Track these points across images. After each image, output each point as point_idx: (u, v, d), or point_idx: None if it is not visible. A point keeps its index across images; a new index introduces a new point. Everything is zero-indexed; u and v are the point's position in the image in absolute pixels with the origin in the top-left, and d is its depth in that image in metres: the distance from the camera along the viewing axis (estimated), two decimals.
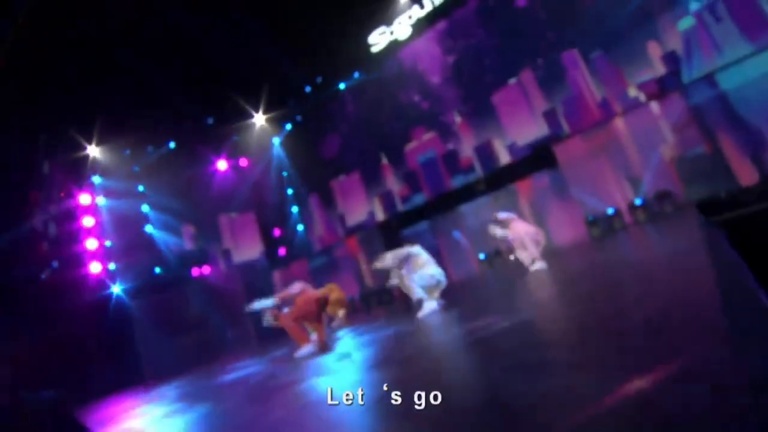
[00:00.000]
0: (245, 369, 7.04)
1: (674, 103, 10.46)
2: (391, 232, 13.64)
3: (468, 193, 13.05)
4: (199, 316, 14.05)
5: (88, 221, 13.45)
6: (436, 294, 6.41)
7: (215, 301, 14.43)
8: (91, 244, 13.31)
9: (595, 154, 11.33)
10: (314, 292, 6.37)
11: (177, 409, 4.91)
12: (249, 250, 15.83)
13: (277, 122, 15.94)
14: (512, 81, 12.41)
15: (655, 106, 10.75)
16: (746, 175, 9.54)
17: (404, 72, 14.03)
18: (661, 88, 10.74)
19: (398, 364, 3.32)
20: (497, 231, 7.25)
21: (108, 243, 13.50)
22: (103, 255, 13.37)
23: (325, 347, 5.89)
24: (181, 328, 13.58)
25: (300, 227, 16.23)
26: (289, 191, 16.45)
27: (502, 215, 7.54)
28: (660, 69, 10.70)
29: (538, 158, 11.61)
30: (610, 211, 10.68)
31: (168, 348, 12.94)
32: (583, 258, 7.17)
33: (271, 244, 16.22)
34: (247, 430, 2.97)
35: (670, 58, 10.57)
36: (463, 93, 13.09)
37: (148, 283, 13.74)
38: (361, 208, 14.87)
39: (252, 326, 14.73)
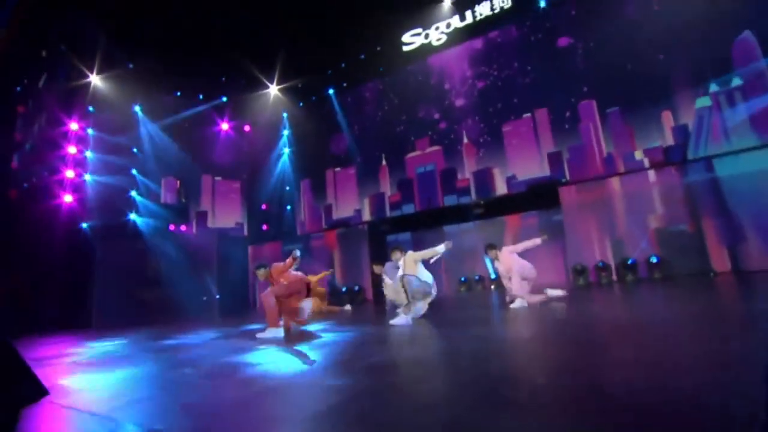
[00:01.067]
0: (193, 337, 6.82)
1: (672, 176, 10.72)
2: (378, 235, 13.60)
3: (457, 215, 13.10)
4: (165, 274, 13.65)
5: (71, 149, 12.97)
6: (428, 300, 6.29)
7: (186, 261, 14.08)
8: (69, 173, 12.84)
9: (588, 206, 11.51)
10: (305, 276, 6.32)
11: (97, 364, 4.70)
12: (225, 217, 15.53)
13: (291, 97, 15.73)
14: (526, 115, 12.55)
15: (654, 174, 11.00)
16: (720, 261, 9.84)
17: (428, 79, 14.05)
18: (665, 158, 10.99)
19: (349, 373, 3.07)
20: (488, 259, 7.25)
21: (88, 177, 13.04)
22: (78, 188, 12.91)
23: (289, 335, 5.80)
24: (144, 282, 13.19)
25: (288, 207, 16.00)
26: (283, 164, 16.15)
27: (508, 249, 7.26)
28: (669, 139, 10.96)
29: (536, 196, 11.72)
30: (599, 264, 10.80)
31: (125, 299, 12.54)
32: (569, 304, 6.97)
33: (255, 218, 15.96)
34: (153, 399, 2.90)
35: (681, 132, 10.84)
36: (479, 118, 13.18)
37: (119, 227, 13.32)
38: (350, 203, 14.79)
39: (220, 296, 14.47)
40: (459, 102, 13.54)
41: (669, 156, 10.94)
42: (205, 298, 14.18)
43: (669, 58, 10.91)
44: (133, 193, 13.64)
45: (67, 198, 12.64)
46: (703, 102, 10.71)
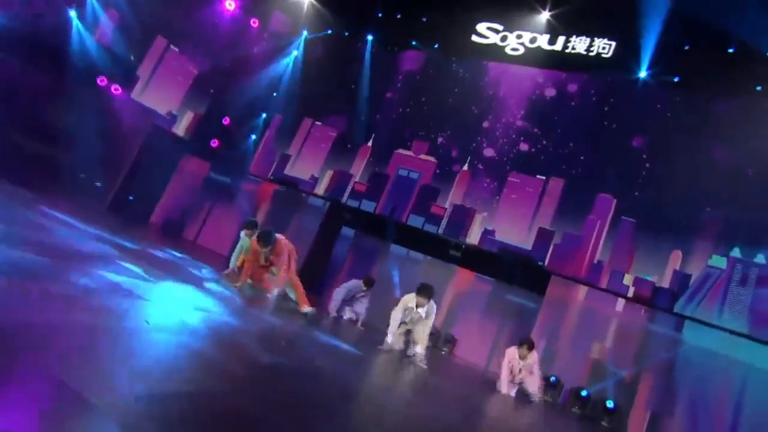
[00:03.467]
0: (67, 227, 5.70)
1: (638, 315, 9.60)
2: (336, 220, 11.48)
3: (427, 243, 11.27)
4: (73, 134, 10.82)
5: None
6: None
7: (105, 132, 11.33)
8: None
9: (569, 308, 10.19)
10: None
11: None
12: (164, 99, 12.49)
13: (322, 21, 13.09)
14: (540, 177, 10.90)
15: (628, 305, 9.79)
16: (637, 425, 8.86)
17: (475, 81, 11.96)
18: (651, 297, 9.70)
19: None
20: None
21: None
22: None
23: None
24: (43, 132, 10.35)
25: (253, 137, 13.38)
26: (272, 84, 13.39)
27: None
28: (665, 280, 9.66)
29: (524, 269, 10.03)
30: (551, 378, 9.09)
31: (7, 142, 9.70)
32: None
33: (206, 125, 13.22)
34: None
35: (681, 280, 9.56)
36: (495, 152, 11.36)
37: (38, 49, 10.39)
38: (310, 166, 12.57)
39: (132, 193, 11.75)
40: (487, 123, 11.65)
41: (656, 297, 9.66)
42: (99, 185, 11.51)
43: (711, 205, 9.57)
44: (73, 15, 10.66)
45: None
46: (718, 262, 9.49)
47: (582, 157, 10.71)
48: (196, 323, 3.35)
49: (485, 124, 11.65)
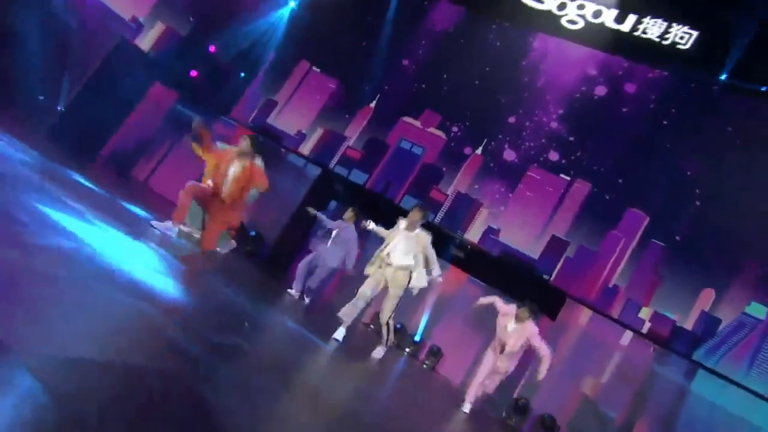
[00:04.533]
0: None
1: (647, 353, 8.23)
2: (325, 187, 9.71)
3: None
4: (19, 42, 8.89)
5: None
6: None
7: (61, 45, 9.39)
8: None
9: (579, 336, 8.81)
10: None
11: None
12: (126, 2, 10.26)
13: None
14: (564, 177, 9.25)
15: (635, 341, 8.41)
16: None
17: (515, 53, 9.90)
18: (669, 338, 8.24)
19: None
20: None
21: None
22: None
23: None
24: None
25: (243, 74, 11.32)
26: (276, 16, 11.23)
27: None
28: (689, 321, 8.19)
29: (538, 289, 8.40)
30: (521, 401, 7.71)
31: None
32: None
33: (187, 53, 11.18)
34: None
35: (708, 323, 8.10)
36: (518, 138, 9.57)
37: None
38: (298, 119, 10.69)
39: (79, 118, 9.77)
40: (514, 119, 9.69)
41: (675, 339, 8.21)
42: (42, 97, 9.60)
43: (760, 246, 8.00)
44: None
45: None
46: (756, 310, 8.02)
47: (618, 164, 9.04)
48: (148, 287, 2.94)
49: (511, 120, 9.71)
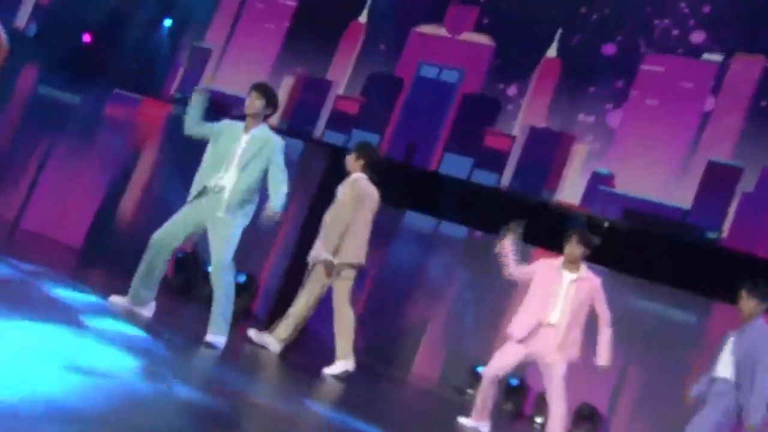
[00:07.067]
0: None
1: None
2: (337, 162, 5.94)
3: (449, 201, 6.04)
4: None
5: None
6: None
7: None
8: None
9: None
10: None
11: None
12: None
13: None
14: (709, 57, 5.45)
15: None
16: None
17: None
18: None
19: None
20: None
21: None
22: None
23: None
24: None
25: (169, 21, 7.18)
26: None
27: None
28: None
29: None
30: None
31: None
32: None
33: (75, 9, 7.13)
34: None
35: None
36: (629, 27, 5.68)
37: None
38: (249, 69, 6.61)
39: None
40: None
41: None
42: None
43: None
44: None
45: None
46: None
47: None
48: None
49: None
